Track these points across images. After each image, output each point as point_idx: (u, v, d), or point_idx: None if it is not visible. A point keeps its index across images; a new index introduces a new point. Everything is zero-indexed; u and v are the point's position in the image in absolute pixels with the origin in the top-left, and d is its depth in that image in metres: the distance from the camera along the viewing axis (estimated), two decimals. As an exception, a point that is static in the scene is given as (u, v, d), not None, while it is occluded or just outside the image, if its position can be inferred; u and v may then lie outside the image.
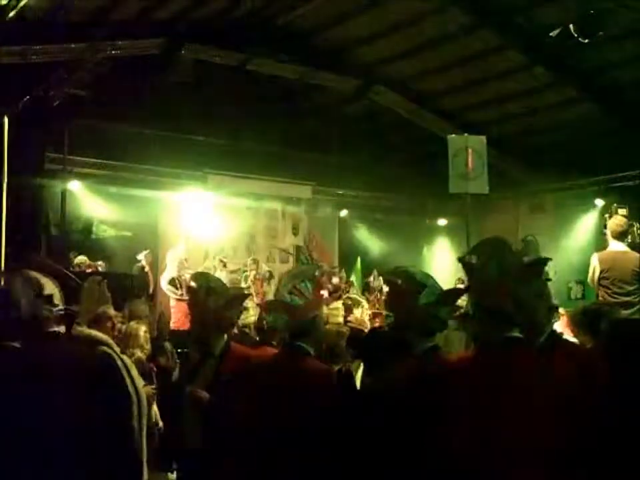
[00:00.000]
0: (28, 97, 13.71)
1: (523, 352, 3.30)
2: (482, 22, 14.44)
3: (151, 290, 15.18)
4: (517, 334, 3.30)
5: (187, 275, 15.15)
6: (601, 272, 8.10)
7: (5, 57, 13.92)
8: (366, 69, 17.57)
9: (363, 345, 4.31)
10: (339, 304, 13.09)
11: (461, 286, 5.35)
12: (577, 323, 5.50)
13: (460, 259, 3.49)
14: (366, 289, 17.36)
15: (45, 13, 13.42)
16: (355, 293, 15.65)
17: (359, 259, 19.42)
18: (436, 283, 4.27)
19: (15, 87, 13.73)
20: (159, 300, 15.77)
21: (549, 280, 3.70)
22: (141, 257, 15.26)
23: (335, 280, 16.79)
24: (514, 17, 14.18)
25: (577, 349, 4.31)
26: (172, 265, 15.47)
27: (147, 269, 15.19)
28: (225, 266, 15.98)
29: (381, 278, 17.35)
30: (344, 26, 15.78)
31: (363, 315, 6.40)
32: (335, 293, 15.17)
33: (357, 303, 6.41)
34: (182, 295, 14.67)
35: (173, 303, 15.06)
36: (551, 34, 12.58)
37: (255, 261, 16.71)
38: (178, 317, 14.42)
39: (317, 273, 4.66)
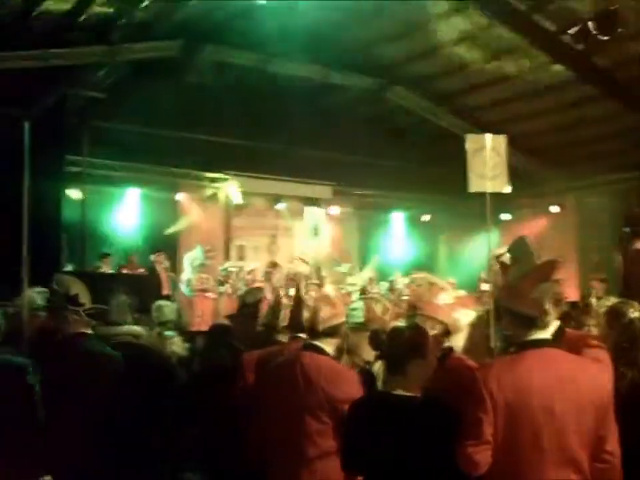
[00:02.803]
0: (47, 100, 13.77)
1: (552, 353, 3.32)
2: (500, 20, 14.36)
3: (166, 291, 15.20)
4: (543, 335, 3.32)
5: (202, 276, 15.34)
6: (625, 270, 8.05)
7: (26, 61, 14.00)
8: (385, 69, 17.55)
9: (383, 345, 4.30)
10: (359, 303, 13.05)
11: (485, 285, 5.38)
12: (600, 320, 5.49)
13: (497, 258, 3.59)
14: (390, 288, 17.33)
15: (64, 17, 13.51)
16: (375, 291, 15.66)
17: (375, 257, 19.39)
18: (453, 287, 4.37)
19: (34, 90, 13.79)
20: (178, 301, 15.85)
21: (559, 280, 3.71)
22: (153, 257, 15.40)
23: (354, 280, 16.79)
24: (532, 15, 14.09)
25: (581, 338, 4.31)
26: (188, 266, 15.61)
27: (159, 269, 15.27)
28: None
29: (398, 275, 17.38)
30: (363, 26, 15.73)
31: (384, 314, 6.34)
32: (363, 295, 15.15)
33: (378, 302, 6.37)
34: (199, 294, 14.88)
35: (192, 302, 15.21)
36: (569, 31, 12.49)
37: (275, 264, 16.76)
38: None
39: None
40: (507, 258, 3.49)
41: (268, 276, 16.12)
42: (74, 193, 15.11)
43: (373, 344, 5.46)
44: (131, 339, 5.55)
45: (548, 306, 3.37)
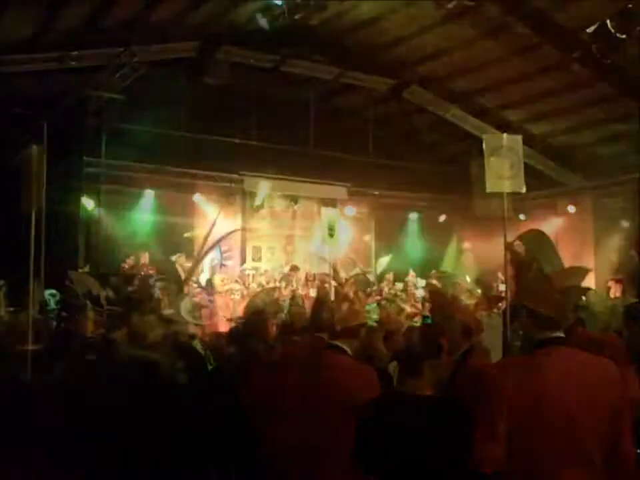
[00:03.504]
0: (67, 101, 13.87)
1: (567, 352, 3.32)
2: (517, 19, 14.30)
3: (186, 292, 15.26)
4: (559, 334, 3.33)
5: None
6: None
7: (44, 64, 14.10)
8: (400, 68, 17.53)
9: (398, 345, 4.30)
10: (373, 305, 13.07)
11: (502, 286, 5.35)
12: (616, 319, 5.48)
13: (508, 246, 3.56)
14: (404, 288, 17.34)
15: (82, 20, 13.61)
16: (392, 292, 15.66)
17: (386, 257, 19.41)
18: (475, 287, 4.35)
19: (53, 92, 13.90)
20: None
21: (589, 289, 3.73)
22: (173, 258, 15.45)
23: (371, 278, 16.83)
24: (550, 14, 14.04)
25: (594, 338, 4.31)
26: (206, 267, 15.68)
27: (180, 269, 15.32)
28: None
29: (413, 275, 17.39)
30: (378, 26, 15.73)
31: (398, 314, 6.30)
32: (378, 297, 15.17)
33: (392, 303, 6.33)
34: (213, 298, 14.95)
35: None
36: (587, 30, 12.44)
37: (295, 267, 16.81)
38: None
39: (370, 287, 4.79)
40: (519, 246, 3.50)
41: (288, 279, 16.17)
42: (91, 194, 15.17)
43: (388, 344, 5.45)
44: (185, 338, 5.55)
45: (569, 311, 3.39)
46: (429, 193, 19.63)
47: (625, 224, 17.27)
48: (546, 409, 3.18)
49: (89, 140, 14.67)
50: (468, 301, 4.15)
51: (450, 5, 11.56)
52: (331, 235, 15.16)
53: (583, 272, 3.46)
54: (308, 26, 15.57)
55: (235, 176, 17.34)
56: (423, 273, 17.54)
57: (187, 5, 14.07)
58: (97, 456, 4.64)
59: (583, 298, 5.54)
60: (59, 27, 13.46)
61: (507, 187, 8.53)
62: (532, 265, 3.32)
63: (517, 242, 3.41)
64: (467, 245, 20.71)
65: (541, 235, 3.21)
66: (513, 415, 3.20)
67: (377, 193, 19.42)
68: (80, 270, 14.00)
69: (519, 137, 8.97)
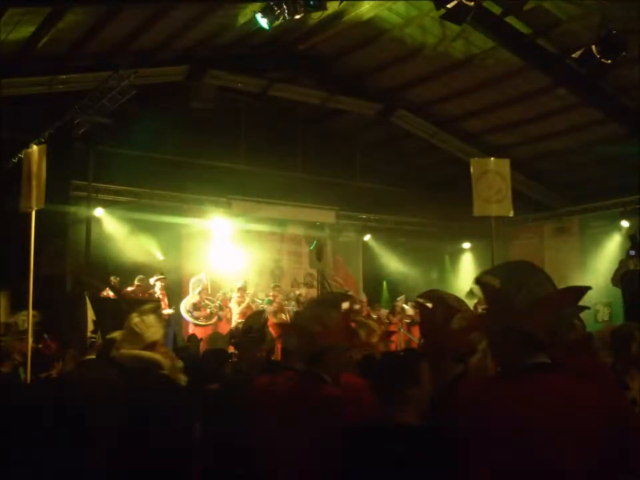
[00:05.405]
0: (54, 125, 13.86)
1: (552, 378, 3.21)
2: (503, 44, 14.40)
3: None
4: (545, 359, 3.22)
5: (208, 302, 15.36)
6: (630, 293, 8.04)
7: (33, 88, 14.10)
8: (388, 93, 17.61)
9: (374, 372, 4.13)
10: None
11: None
12: (603, 343, 5.41)
13: (479, 280, 3.35)
14: (391, 311, 17.36)
15: (70, 44, 13.64)
16: (375, 316, 15.63)
17: (384, 283, 19.44)
18: (468, 307, 4.18)
19: (41, 116, 13.89)
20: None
21: (587, 308, 3.60)
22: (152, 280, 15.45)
23: (357, 306, 16.81)
24: (536, 39, 14.15)
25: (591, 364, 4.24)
26: (194, 291, 15.58)
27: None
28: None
29: (403, 298, 17.39)
30: (365, 51, 15.81)
31: (370, 337, 6.19)
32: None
33: (363, 325, 6.15)
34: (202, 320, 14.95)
35: (191, 328, 15.16)
36: (573, 55, 12.54)
37: (277, 287, 16.81)
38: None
39: (343, 303, 4.55)
40: (491, 279, 3.32)
41: (271, 300, 16.16)
42: (79, 217, 15.11)
43: (364, 370, 5.30)
44: None
45: (562, 332, 3.29)
46: (417, 217, 19.63)
47: (612, 246, 17.37)
48: (532, 440, 3.08)
49: (77, 164, 14.63)
50: (459, 323, 3.96)
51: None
52: (319, 259, 15.13)
53: (579, 291, 3.35)
54: (295, 50, 15.65)
55: (223, 200, 17.27)
56: (412, 297, 17.55)
57: (175, 30, 14.11)
58: (92, 455, 4.60)
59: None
60: (47, 50, 13.47)
61: (494, 211, 8.57)
62: (514, 296, 3.14)
63: (487, 275, 3.21)
64: (456, 266, 20.77)
65: (522, 266, 3.12)
66: (494, 445, 3.11)
67: (365, 216, 19.43)
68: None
69: (507, 161, 9.01)
